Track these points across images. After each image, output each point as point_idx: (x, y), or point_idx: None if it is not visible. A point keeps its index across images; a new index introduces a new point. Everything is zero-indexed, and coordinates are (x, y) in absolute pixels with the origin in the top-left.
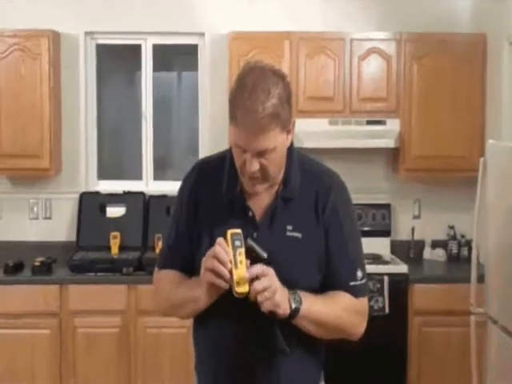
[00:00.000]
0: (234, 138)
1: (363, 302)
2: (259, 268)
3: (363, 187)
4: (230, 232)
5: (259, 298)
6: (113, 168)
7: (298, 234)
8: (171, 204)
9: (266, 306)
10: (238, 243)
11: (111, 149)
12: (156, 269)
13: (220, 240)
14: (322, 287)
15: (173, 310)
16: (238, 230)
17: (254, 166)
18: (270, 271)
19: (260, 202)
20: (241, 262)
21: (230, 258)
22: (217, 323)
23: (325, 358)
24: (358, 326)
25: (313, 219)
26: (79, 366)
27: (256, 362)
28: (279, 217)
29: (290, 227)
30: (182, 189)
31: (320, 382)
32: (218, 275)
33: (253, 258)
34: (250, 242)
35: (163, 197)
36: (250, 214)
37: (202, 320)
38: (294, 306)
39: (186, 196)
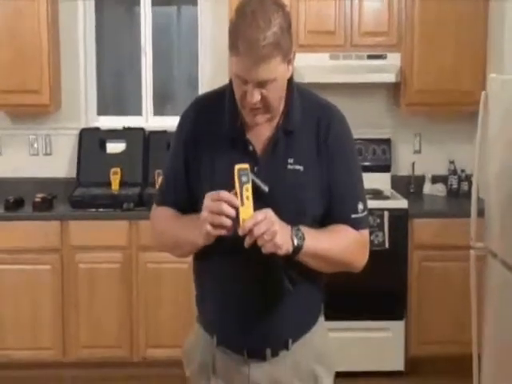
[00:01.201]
0: (235, 68)
1: (364, 235)
2: (263, 214)
3: (364, 122)
4: (237, 167)
5: (259, 242)
6: (112, 104)
7: (299, 167)
8: (171, 139)
9: (266, 249)
10: (244, 179)
11: (111, 84)
12: (154, 205)
13: (224, 194)
14: (324, 221)
15: (168, 249)
16: (246, 165)
17: (255, 96)
18: (268, 214)
19: (260, 135)
20: (247, 198)
21: (237, 194)
22: (218, 261)
23: (325, 291)
24: (360, 258)
25: (314, 152)
26: (81, 301)
27: (258, 299)
28: (280, 150)
29: (291, 160)
30: (180, 126)
31: (320, 316)
32: (223, 227)
33: (254, 192)
34: (251, 176)
35: (163, 132)
36: (251, 147)
37: (202, 258)
38: (296, 243)
39: (185, 133)
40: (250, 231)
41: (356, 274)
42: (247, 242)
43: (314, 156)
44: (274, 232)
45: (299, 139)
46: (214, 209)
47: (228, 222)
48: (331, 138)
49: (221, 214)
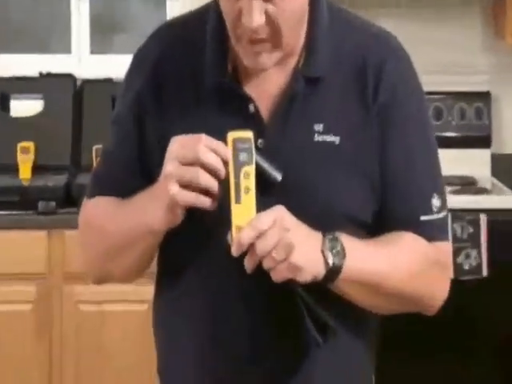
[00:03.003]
0: None
1: (444, 250)
2: (270, 216)
3: (443, 64)
4: (232, 136)
5: (265, 265)
6: (21, 34)
7: (333, 138)
8: (119, 93)
9: (277, 274)
10: (243, 157)
11: (19, 4)
12: (84, 199)
13: (206, 137)
14: (375, 226)
15: (109, 261)
16: (247, 133)
17: (256, 17)
18: (279, 214)
19: (267, 87)
20: (247, 191)
21: (230, 182)
22: (201, 298)
23: (378, 348)
24: (436, 290)
25: (358, 112)
26: None
27: (268, 364)
28: (301, 111)
29: (318, 127)
30: (133, 70)
31: None
32: (200, 191)
33: (258, 181)
34: (256, 153)
35: (106, 82)
36: (252, 108)
37: (172, 291)
38: (332, 262)
39: (142, 82)
40: (251, 247)
41: (429, 319)
42: (248, 267)
43: (359, 119)
44: (288, 246)
45: (332, 92)
46: (188, 156)
47: (209, 181)
48: (385, 90)
49: (197, 164)
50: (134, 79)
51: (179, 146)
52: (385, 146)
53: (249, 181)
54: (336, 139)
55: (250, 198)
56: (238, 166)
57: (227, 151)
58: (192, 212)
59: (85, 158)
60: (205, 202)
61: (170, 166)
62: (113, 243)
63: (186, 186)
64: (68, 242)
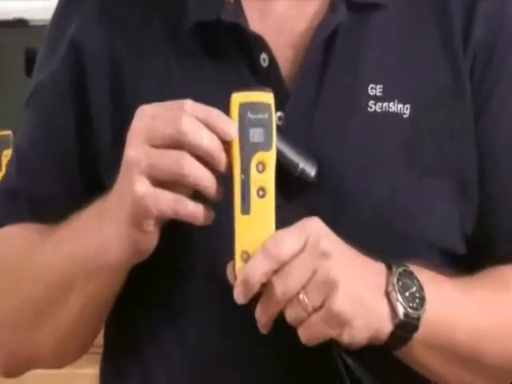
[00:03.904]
0: None
1: None
2: (298, 235)
3: None
4: (237, 99)
5: (289, 316)
6: None
7: (400, 108)
8: (43, 48)
9: (309, 332)
10: (257, 136)
11: None
12: None
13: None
14: (470, 258)
15: (30, 329)
16: (264, 96)
17: None
18: (314, 232)
19: (287, 26)
20: (261, 194)
21: (234, 178)
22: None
23: None
24: None
25: (439, 63)
26: None
27: None
28: (344, 62)
29: (375, 89)
30: (67, 6)
31: None
32: (186, 189)
33: (278, 178)
34: (276, 132)
35: (16, 25)
36: (264, 59)
37: (134, 366)
38: (403, 312)
39: (82, 21)
40: (266, 287)
41: None
42: (262, 324)
43: (440, 76)
44: (327, 283)
45: (395, 31)
46: (165, 134)
47: (201, 174)
48: (482, 26)
49: (180, 147)
50: (68, 20)
51: (150, 118)
52: (482, 120)
53: (265, 177)
54: (405, 109)
55: (265, 206)
56: (248, 150)
57: (230, 125)
58: (173, 229)
59: None
60: (193, 210)
61: (134, 151)
62: (37, 296)
63: (162, 183)
64: None
